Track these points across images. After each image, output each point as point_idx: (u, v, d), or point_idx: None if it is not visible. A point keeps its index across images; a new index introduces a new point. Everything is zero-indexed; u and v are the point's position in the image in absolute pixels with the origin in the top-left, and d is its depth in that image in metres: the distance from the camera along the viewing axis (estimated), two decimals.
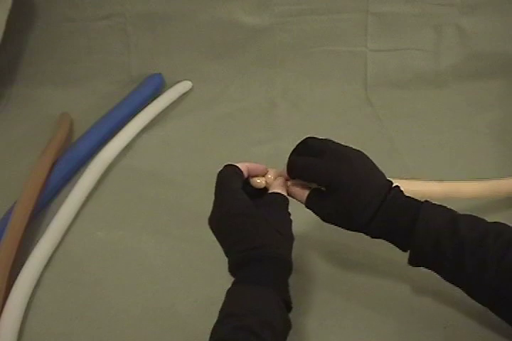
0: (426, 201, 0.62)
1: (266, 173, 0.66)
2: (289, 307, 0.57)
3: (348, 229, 0.63)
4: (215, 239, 0.61)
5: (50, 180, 0.92)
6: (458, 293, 0.62)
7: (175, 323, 0.70)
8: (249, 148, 0.99)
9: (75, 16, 1.12)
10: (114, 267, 0.80)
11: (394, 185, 0.62)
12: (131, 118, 1.04)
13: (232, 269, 0.59)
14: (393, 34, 1.09)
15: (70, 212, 0.87)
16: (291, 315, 0.57)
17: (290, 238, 0.61)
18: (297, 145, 0.65)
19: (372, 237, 0.63)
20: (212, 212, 0.61)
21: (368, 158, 0.64)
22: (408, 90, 1.10)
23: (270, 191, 0.64)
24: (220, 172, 0.63)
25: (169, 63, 1.14)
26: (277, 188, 0.64)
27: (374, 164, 0.64)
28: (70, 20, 1.12)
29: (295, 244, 0.61)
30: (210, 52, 1.13)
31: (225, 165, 0.64)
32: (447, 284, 0.61)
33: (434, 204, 0.62)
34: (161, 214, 0.88)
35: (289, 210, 0.63)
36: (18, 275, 0.77)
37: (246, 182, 0.64)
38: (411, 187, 0.67)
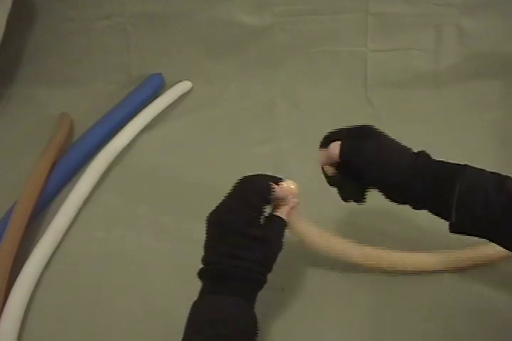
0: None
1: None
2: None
3: (393, 196, 0.63)
4: None
5: (50, 180, 0.92)
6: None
7: (175, 323, 0.70)
8: (249, 148, 0.99)
9: (74, 16, 1.12)
10: (114, 267, 0.80)
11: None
12: (131, 118, 1.04)
13: (202, 275, 0.61)
14: (393, 34, 1.09)
15: (70, 212, 0.87)
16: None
17: (271, 262, 0.60)
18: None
19: (416, 208, 0.62)
20: (219, 207, 0.61)
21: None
22: (408, 90, 1.10)
23: (276, 214, 0.63)
24: (258, 178, 0.62)
25: (169, 63, 1.14)
26: (283, 213, 0.63)
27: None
28: (70, 20, 1.12)
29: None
30: (210, 52, 1.13)
31: (267, 177, 0.62)
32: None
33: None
34: (161, 213, 0.88)
35: None
36: (18, 275, 0.77)
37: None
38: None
